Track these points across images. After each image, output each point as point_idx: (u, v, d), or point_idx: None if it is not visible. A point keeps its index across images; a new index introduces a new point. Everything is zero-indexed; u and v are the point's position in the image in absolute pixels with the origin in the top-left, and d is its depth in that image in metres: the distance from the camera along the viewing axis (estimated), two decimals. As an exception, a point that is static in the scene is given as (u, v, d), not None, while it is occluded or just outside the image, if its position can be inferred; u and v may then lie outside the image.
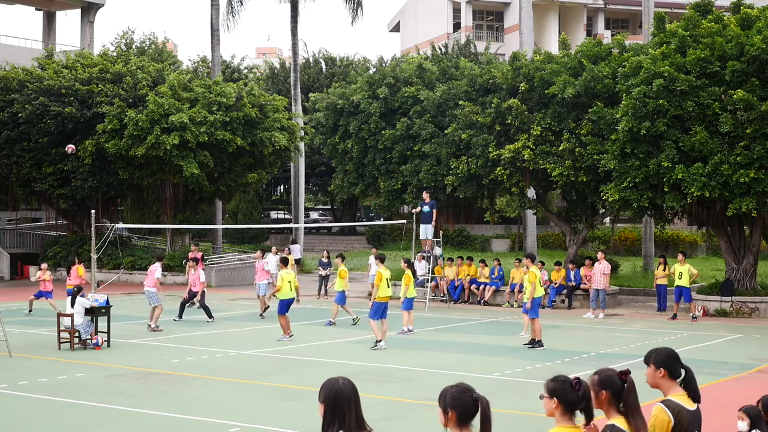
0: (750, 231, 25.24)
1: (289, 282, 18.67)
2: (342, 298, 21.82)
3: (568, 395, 4.45)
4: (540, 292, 18.28)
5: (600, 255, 24.92)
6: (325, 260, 30.55)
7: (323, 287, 29.94)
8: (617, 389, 4.62)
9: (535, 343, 17.91)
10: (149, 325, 20.26)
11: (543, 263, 28.33)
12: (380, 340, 17.54)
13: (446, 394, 4.29)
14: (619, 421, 4.60)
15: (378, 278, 17.94)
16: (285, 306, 18.67)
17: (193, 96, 33.17)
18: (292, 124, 36.12)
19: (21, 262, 37.30)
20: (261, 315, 23.55)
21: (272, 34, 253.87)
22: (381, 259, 19.03)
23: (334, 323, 21.62)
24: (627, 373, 4.67)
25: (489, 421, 4.23)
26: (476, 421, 4.27)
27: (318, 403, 4.41)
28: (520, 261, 25.66)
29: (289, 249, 30.05)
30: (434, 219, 26.99)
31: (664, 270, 25.28)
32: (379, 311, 17.72)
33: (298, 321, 22.03)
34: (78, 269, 24.19)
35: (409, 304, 20.22)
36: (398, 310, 20.30)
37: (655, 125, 23.28)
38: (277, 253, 29.46)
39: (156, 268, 20.66)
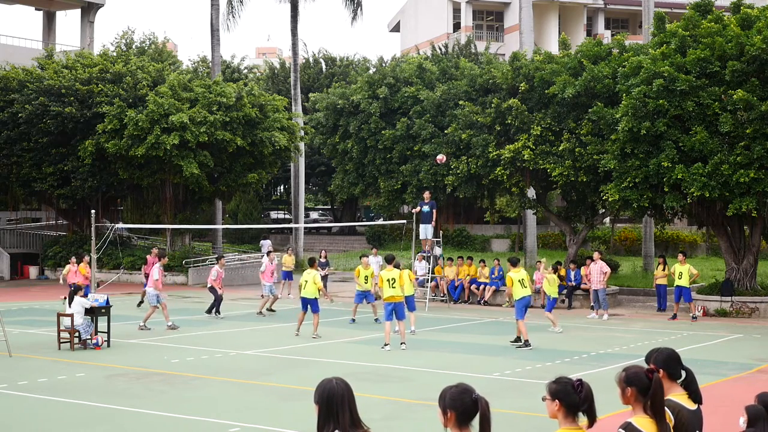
0: (750, 231, 25.22)
1: (305, 281, 19.52)
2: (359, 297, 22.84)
3: (570, 397, 4.44)
4: (519, 293, 17.77)
5: (596, 255, 24.78)
6: (323, 260, 30.48)
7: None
8: (644, 387, 4.64)
9: (522, 342, 17.94)
10: (140, 324, 20.27)
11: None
12: (387, 344, 17.55)
13: (446, 394, 4.29)
14: (640, 421, 4.60)
15: (380, 281, 18.03)
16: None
17: (193, 96, 33.17)
18: (292, 124, 36.11)
19: (21, 262, 37.30)
20: (260, 312, 23.74)
21: (272, 34, 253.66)
22: (388, 260, 18.39)
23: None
24: (654, 370, 4.67)
25: (488, 422, 4.22)
26: (476, 421, 4.27)
27: (313, 405, 4.43)
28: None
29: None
30: (434, 219, 26.98)
31: (664, 270, 25.25)
32: (389, 312, 17.74)
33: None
34: (80, 269, 24.23)
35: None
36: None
37: (655, 125, 23.27)
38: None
39: (156, 269, 20.60)
